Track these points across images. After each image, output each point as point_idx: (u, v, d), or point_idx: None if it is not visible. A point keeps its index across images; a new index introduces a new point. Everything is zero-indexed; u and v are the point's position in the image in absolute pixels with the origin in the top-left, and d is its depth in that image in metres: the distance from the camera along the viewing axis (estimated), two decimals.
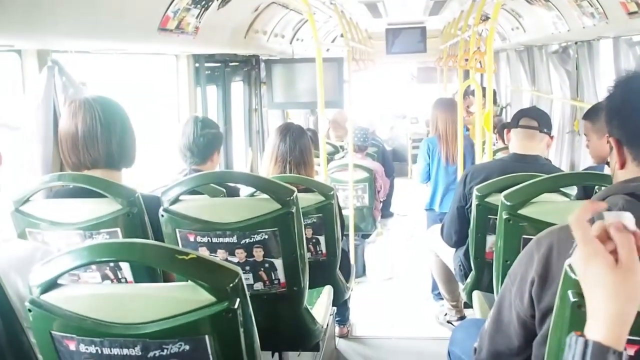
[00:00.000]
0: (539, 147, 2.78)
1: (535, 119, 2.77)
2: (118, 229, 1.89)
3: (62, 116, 2.03)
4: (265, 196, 1.97)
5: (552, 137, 2.83)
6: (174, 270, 1.35)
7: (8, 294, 1.30)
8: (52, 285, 1.28)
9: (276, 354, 2.38)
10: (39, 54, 2.26)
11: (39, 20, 1.90)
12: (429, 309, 4.31)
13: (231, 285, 1.21)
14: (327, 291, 2.57)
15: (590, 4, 3.29)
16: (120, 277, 1.92)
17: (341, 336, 3.76)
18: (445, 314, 4.07)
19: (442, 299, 4.12)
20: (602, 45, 4.08)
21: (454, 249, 3.06)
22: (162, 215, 1.98)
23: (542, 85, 5.67)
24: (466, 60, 4.71)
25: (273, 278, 2.00)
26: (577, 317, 1.00)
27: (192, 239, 1.99)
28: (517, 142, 2.78)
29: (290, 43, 5.66)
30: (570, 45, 4.62)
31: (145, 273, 1.88)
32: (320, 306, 2.42)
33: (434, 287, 4.24)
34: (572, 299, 1.01)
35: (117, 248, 1.30)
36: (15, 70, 2.26)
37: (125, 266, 1.92)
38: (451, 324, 3.98)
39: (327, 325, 2.47)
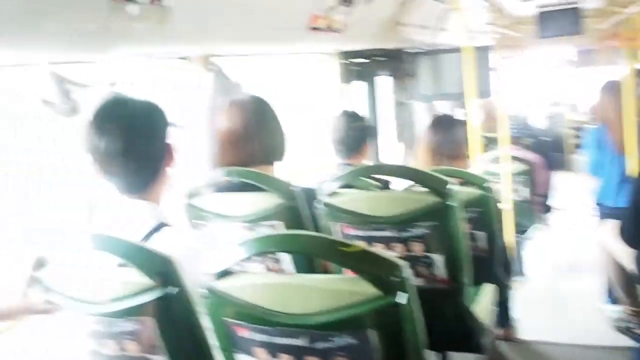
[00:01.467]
0: None
1: None
2: (279, 222, 1.95)
3: (220, 116, 2.15)
4: (423, 189, 1.93)
5: None
6: (340, 263, 1.36)
7: (185, 281, 1.37)
8: (225, 273, 1.34)
9: (439, 355, 2.33)
10: (202, 60, 2.41)
11: (204, 29, 2.03)
12: (604, 314, 3.95)
13: (397, 278, 1.19)
14: (488, 289, 2.46)
15: None
16: (281, 269, 1.98)
17: (504, 339, 3.57)
18: (626, 321, 3.69)
19: (619, 303, 3.74)
20: None
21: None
22: (320, 208, 2.01)
23: None
24: (633, 39, 4.32)
25: (434, 274, 1.95)
26: None
27: (348, 232, 2.00)
28: None
29: (436, 34, 5.55)
30: None
31: (306, 266, 1.92)
32: (481, 305, 2.33)
33: (610, 289, 3.87)
34: None
35: (284, 239, 1.33)
36: (183, 75, 2.43)
37: (286, 259, 1.98)
38: (631, 332, 3.61)
39: (489, 325, 2.37)
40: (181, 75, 2.43)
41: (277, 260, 1.99)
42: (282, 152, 2.13)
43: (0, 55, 1.70)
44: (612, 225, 3.03)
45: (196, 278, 1.44)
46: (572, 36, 7.36)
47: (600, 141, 4.26)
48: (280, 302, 1.29)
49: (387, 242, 1.95)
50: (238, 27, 2.21)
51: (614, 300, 3.83)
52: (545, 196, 6.11)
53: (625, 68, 4.70)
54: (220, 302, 1.34)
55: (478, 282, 2.50)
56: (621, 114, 4.12)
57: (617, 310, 3.79)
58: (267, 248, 1.33)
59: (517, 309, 3.78)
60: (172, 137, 1.64)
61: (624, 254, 3.03)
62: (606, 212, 4.18)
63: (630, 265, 2.99)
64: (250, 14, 2.23)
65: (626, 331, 3.64)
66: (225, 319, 1.35)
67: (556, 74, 10.26)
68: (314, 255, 1.70)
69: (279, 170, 2.16)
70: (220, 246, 1.37)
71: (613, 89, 4.31)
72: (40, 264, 1.44)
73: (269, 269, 2.00)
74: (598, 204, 4.34)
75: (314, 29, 2.77)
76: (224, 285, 1.34)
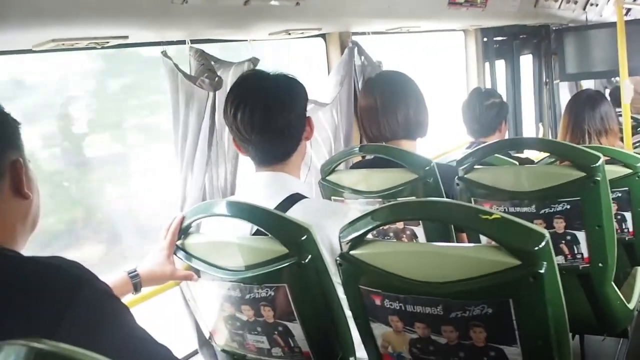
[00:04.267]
0: None
1: None
2: (415, 198, 1.95)
3: (361, 92, 2.17)
4: (566, 164, 1.85)
5: None
6: (478, 230, 1.33)
7: (322, 250, 1.41)
8: (360, 241, 1.35)
9: (577, 337, 2.23)
10: (341, 37, 2.45)
11: (341, 5, 2.06)
12: None
13: (538, 248, 1.15)
14: (637, 273, 2.31)
15: None
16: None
17: None
18: None
19: None
20: None
21: None
22: (458, 184, 1.98)
23: None
24: None
25: (575, 252, 1.86)
26: None
27: (488, 208, 1.96)
28: None
29: (584, 9, 5.21)
30: None
31: (438, 239, 1.90)
32: (628, 288, 2.19)
33: None
34: None
35: (421, 207, 1.33)
36: (321, 53, 2.48)
37: (420, 234, 1.97)
38: None
39: (637, 311, 2.22)
40: (320, 52, 2.49)
41: (413, 237, 1.99)
42: (425, 127, 2.12)
43: (143, 35, 1.78)
44: None
45: (331, 247, 1.48)
46: None
47: None
48: (417, 270, 1.28)
49: (527, 218, 1.86)
50: (376, 3, 2.21)
51: None
52: None
53: None
54: (355, 270, 1.35)
55: (626, 265, 2.36)
56: None
57: None
58: (404, 215, 1.33)
59: None
60: (308, 111, 1.67)
61: None
62: None
63: None
64: None
65: None
66: (360, 286, 1.36)
67: None
68: (453, 223, 1.68)
69: (421, 146, 2.16)
70: (354, 215, 1.39)
71: None
72: (183, 232, 1.53)
73: None
74: None
75: (454, 3, 2.71)
76: (359, 253, 1.35)
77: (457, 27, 3.52)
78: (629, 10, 6.42)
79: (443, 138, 3.80)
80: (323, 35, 2.44)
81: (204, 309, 1.60)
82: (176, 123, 1.87)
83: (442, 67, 4.31)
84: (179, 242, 1.54)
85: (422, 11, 2.58)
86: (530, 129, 4.78)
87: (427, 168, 1.93)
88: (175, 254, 1.54)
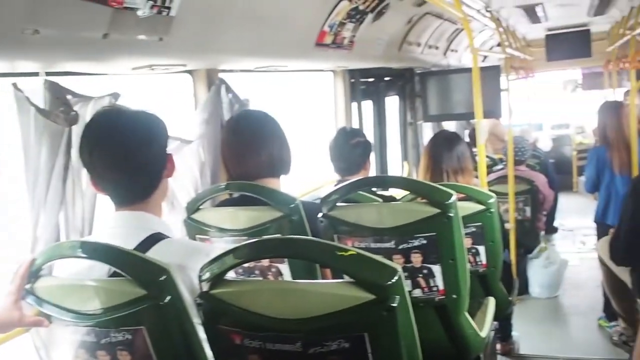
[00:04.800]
0: None
1: None
2: (281, 235, 1.96)
3: (225, 130, 2.17)
4: (423, 201, 1.95)
5: None
6: (334, 266, 1.36)
7: (182, 291, 1.38)
8: (220, 280, 1.34)
9: None
10: (208, 74, 2.44)
11: (208, 42, 2.06)
12: (601, 328, 3.97)
13: (391, 282, 1.20)
14: (489, 303, 2.46)
15: None
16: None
17: (504, 353, 3.58)
18: (621, 334, 3.72)
19: (616, 318, 3.78)
20: None
21: None
22: (322, 221, 2.02)
23: None
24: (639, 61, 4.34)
25: (432, 285, 1.95)
26: None
27: (350, 244, 2.01)
28: None
29: (445, 54, 5.59)
30: None
31: (304, 277, 1.92)
32: (481, 317, 2.33)
33: (607, 305, 3.90)
34: None
35: (279, 244, 1.34)
36: (188, 89, 2.46)
37: (286, 271, 1.98)
38: (627, 345, 3.63)
39: (489, 339, 2.36)
40: (185, 88, 2.46)
41: (278, 275, 1.99)
42: (288, 166, 2.15)
43: None
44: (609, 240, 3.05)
45: (192, 287, 1.45)
46: (579, 59, 7.44)
47: (600, 161, 4.28)
48: (277, 307, 1.29)
49: (387, 253, 1.95)
50: (244, 41, 2.23)
51: (611, 315, 3.86)
52: (550, 216, 6.12)
53: (629, 90, 4.70)
54: (215, 309, 1.34)
55: (479, 295, 2.50)
56: (620, 133, 4.14)
57: (615, 325, 3.82)
58: (262, 253, 1.34)
59: (520, 326, 3.79)
60: (172, 148, 1.64)
61: (622, 270, 3.04)
62: (605, 231, 4.20)
63: (627, 280, 3.00)
64: (257, 28, 2.25)
65: (622, 345, 3.66)
66: (221, 326, 1.35)
67: (563, 96, 10.29)
68: (312, 260, 1.70)
69: (285, 184, 2.18)
70: (215, 254, 1.37)
71: (612, 109, 4.34)
72: (33, 275, 1.44)
73: None
74: (598, 223, 4.34)
75: (321, 45, 2.80)
76: (219, 292, 1.34)
77: (325, 67, 3.63)
78: (486, 57, 6.98)
79: (314, 176, 3.87)
80: (190, 71, 2.42)
81: (56, 357, 1.50)
82: (27, 160, 1.76)
83: (315, 106, 4.42)
84: (28, 286, 1.44)
85: (289, 51, 2.64)
86: (396, 167, 5.00)
87: (292, 206, 1.96)
88: (25, 299, 1.44)
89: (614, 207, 4.19)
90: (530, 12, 5.44)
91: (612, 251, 2.86)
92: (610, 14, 5.92)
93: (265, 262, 1.98)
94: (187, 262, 1.47)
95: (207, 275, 1.35)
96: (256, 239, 1.34)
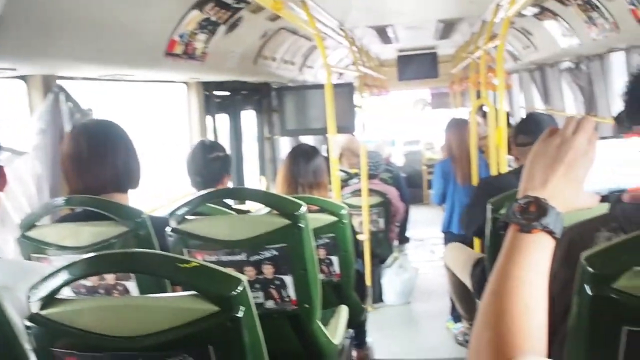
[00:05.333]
0: None
1: (527, 133, 2.72)
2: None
3: (66, 141, 2.02)
4: (275, 212, 1.94)
5: None
6: (175, 279, 1.31)
7: (12, 315, 1.25)
8: (51, 299, 1.23)
9: None
10: (44, 80, 2.27)
11: (43, 45, 1.90)
12: (448, 330, 4.23)
13: (235, 293, 1.16)
14: (342, 311, 2.50)
15: (600, 15, 3.26)
16: None
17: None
18: (465, 334, 3.98)
19: (460, 320, 4.03)
20: (614, 58, 4.03)
21: (471, 266, 3.00)
22: (170, 236, 1.95)
23: (555, 103, 5.62)
24: (479, 82, 4.69)
25: (284, 295, 1.94)
26: (597, 310, 0.95)
27: (200, 258, 1.95)
28: (520, 158, 2.78)
29: (300, 70, 5.69)
30: (582, 60, 4.59)
31: (152, 291, 1.83)
32: (334, 325, 2.36)
33: (453, 308, 4.16)
34: (590, 293, 0.96)
35: (118, 258, 1.26)
36: (22, 97, 2.27)
37: (133, 289, 1.88)
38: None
39: (343, 347, 2.40)
40: (18, 95, 2.27)
41: (125, 293, 1.88)
42: (136, 179, 2.03)
43: None
44: (454, 247, 3.25)
45: (22, 310, 1.32)
46: (428, 79, 7.93)
47: (446, 173, 4.56)
48: (115, 325, 1.21)
49: (238, 265, 1.92)
50: (85, 47, 2.10)
51: (456, 317, 4.12)
52: (402, 227, 6.42)
53: (470, 109, 5.06)
54: (46, 332, 1.23)
55: (333, 305, 2.54)
56: (463, 148, 4.45)
57: (459, 326, 4.08)
58: (97, 269, 1.25)
59: (374, 331, 3.93)
60: (2, 160, 1.49)
61: (463, 271, 3.25)
62: (451, 239, 4.49)
63: (467, 280, 3.21)
64: (99, 33, 2.13)
65: (466, 344, 3.93)
66: (54, 349, 1.24)
67: (414, 114, 10.90)
68: (152, 273, 1.61)
69: (134, 199, 2.07)
70: (46, 271, 1.26)
71: (457, 126, 4.65)
72: None
73: None
74: (444, 232, 4.62)
75: (171, 54, 2.72)
76: (51, 313, 1.23)
77: (177, 78, 3.54)
78: (342, 74, 7.21)
79: (168, 191, 3.75)
80: (24, 77, 2.23)
81: None
82: None
83: (165, 118, 4.29)
84: None
85: (137, 60, 2.53)
86: (253, 181, 4.99)
87: (139, 220, 1.86)
88: None
89: (457, 216, 4.48)
90: (382, 33, 5.69)
91: (460, 222, 3.05)
92: (453, 38, 6.36)
93: (110, 280, 1.86)
94: (16, 283, 1.34)
95: (37, 295, 1.23)
96: (91, 255, 1.24)
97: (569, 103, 5.27)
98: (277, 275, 1.92)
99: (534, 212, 0.88)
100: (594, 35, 3.52)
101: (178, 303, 1.20)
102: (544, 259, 0.87)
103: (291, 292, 1.94)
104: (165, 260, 1.22)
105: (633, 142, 0.96)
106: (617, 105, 3.63)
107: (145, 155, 2.10)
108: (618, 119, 2.94)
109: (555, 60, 5.22)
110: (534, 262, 0.86)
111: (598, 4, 3.18)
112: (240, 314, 1.16)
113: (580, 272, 0.99)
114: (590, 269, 0.97)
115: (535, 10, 4.12)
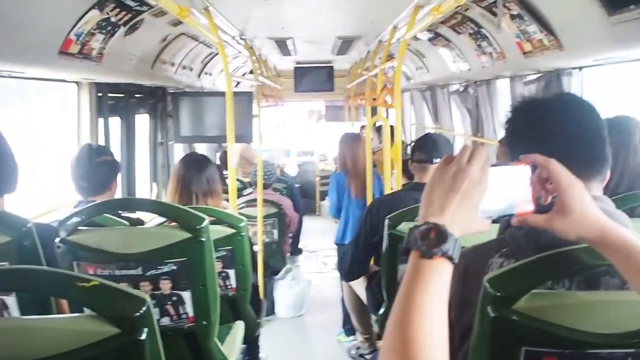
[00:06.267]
0: None
1: (424, 151, 2.84)
2: (6, 264, 1.71)
3: None
4: (173, 224, 1.88)
5: None
6: (74, 299, 1.23)
7: None
8: None
9: None
10: None
11: None
12: (341, 344, 4.28)
13: (138, 314, 1.11)
14: (238, 327, 2.47)
15: (489, 44, 3.47)
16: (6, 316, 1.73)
17: None
18: (358, 348, 4.04)
19: (353, 333, 4.10)
20: (500, 84, 4.29)
21: (366, 280, 3.06)
22: (59, 247, 1.83)
23: (444, 122, 5.89)
24: (374, 99, 4.81)
25: (181, 312, 1.89)
26: (498, 330, 0.99)
27: (92, 271, 1.85)
28: (416, 175, 2.88)
29: (199, 76, 5.58)
30: (470, 84, 4.84)
31: (35, 310, 1.70)
32: (230, 342, 2.32)
33: (345, 321, 4.22)
34: (491, 314, 1.01)
35: (5, 276, 1.15)
36: None
37: (12, 304, 1.73)
38: (363, 357, 3.95)
39: None
40: None
41: (3, 308, 1.74)
42: (12, 183, 1.86)
43: None
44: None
45: None
46: (324, 92, 8.05)
47: (340, 186, 4.64)
48: (3, 350, 1.11)
49: (133, 280, 1.84)
50: None
51: (349, 330, 4.19)
52: (295, 238, 6.46)
53: (365, 123, 5.19)
54: None
55: (229, 319, 2.50)
56: (357, 162, 4.56)
57: (352, 340, 4.16)
58: None
59: (266, 345, 3.90)
60: None
61: (359, 285, 3.31)
62: (344, 251, 4.56)
63: (362, 294, 3.27)
64: None
65: (358, 358, 4.00)
66: None
67: (310, 126, 11.02)
68: (48, 293, 1.51)
69: (10, 204, 1.90)
70: None
71: (350, 140, 4.75)
72: None
73: None
74: (338, 244, 4.69)
75: (65, 53, 2.57)
76: None
77: (69, 78, 3.35)
78: (239, 82, 7.15)
79: (51, 196, 3.53)
80: None
81: None
82: None
83: (50, 119, 4.05)
84: None
85: (27, 56, 2.36)
86: (144, 187, 4.82)
87: (24, 229, 1.72)
88: None
89: (351, 229, 4.56)
90: (282, 45, 5.71)
91: (341, 265, 3.11)
92: (350, 54, 6.50)
93: None
94: None
95: None
96: None
97: (457, 123, 5.54)
98: (174, 291, 1.86)
99: (434, 239, 0.91)
100: (483, 62, 3.73)
101: (74, 325, 1.12)
102: (444, 285, 0.89)
103: (189, 308, 1.89)
104: (64, 280, 1.14)
105: (520, 169, 1.03)
106: (502, 129, 3.86)
107: (26, 157, 1.95)
108: (502, 142, 3.14)
109: (445, 82, 5.47)
110: (436, 287, 0.88)
111: (487, 34, 3.39)
112: (143, 336, 1.11)
113: (482, 294, 1.04)
114: (492, 291, 1.02)
115: (430, 35, 4.31)
